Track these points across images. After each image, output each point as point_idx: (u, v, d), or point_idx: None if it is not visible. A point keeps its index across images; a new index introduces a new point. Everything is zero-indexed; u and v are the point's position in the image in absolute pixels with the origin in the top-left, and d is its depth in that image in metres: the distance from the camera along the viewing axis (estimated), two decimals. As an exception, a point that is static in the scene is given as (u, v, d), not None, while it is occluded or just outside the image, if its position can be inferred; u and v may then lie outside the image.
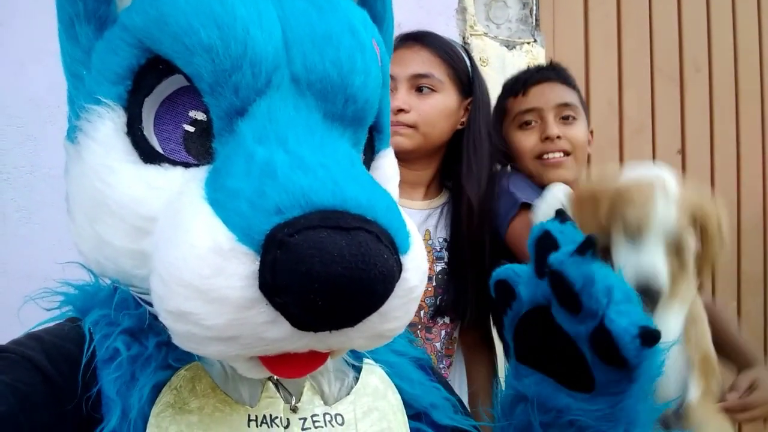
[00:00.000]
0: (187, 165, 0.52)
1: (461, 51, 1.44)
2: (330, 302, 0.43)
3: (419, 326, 1.37)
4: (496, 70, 2.19)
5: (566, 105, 1.44)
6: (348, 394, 0.62)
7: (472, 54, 1.80)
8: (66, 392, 0.51)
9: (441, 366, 1.40)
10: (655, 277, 1.04)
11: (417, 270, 0.50)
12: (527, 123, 1.46)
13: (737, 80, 2.75)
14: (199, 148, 0.53)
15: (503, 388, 0.69)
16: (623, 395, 0.58)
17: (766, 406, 1.19)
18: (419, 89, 1.35)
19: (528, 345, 0.64)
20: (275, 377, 0.58)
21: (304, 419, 0.58)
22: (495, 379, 1.46)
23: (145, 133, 0.53)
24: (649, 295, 1.03)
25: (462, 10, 2.19)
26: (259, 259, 0.43)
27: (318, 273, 0.42)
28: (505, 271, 0.64)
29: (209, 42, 0.49)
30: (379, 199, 0.48)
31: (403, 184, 0.69)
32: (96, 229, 0.53)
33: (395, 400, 0.65)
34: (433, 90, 1.36)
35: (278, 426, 0.56)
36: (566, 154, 1.42)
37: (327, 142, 0.51)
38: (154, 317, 0.50)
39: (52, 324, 0.59)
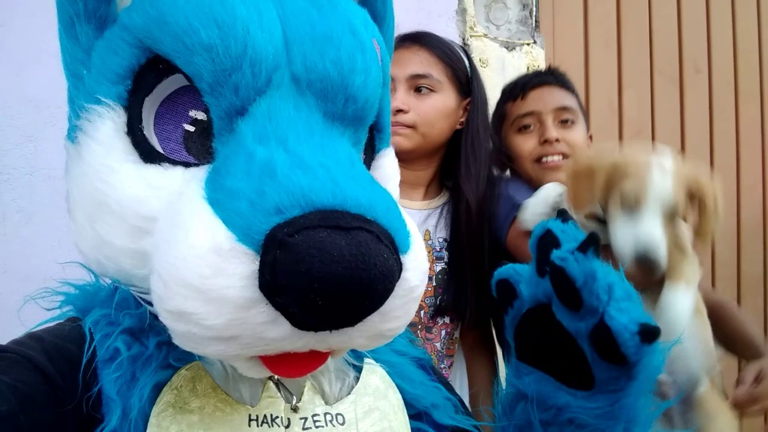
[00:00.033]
0: (187, 165, 0.52)
1: (460, 51, 1.44)
2: (330, 302, 0.43)
3: (419, 326, 1.37)
4: (496, 71, 2.19)
5: (565, 109, 1.45)
6: (349, 393, 0.62)
7: (472, 55, 1.80)
8: (66, 392, 0.51)
9: (442, 366, 1.40)
10: (654, 246, 1.06)
11: (417, 270, 0.50)
12: (526, 127, 1.47)
13: (737, 81, 2.75)
14: (199, 148, 0.53)
15: (504, 388, 0.69)
16: (622, 393, 0.59)
17: None
18: (418, 89, 1.36)
19: (528, 343, 0.64)
20: (276, 377, 0.57)
21: (305, 419, 0.58)
22: (495, 379, 1.46)
23: (145, 132, 0.53)
24: (648, 264, 1.05)
25: (462, 12, 2.19)
26: (258, 258, 0.43)
27: (318, 273, 0.42)
28: (506, 270, 0.64)
29: (209, 42, 0.49)
30: (379, 198, 0.48)
31: (402, 184, 0.69)
32: (96, 228, 0.53)
33: (396, 399, 0.65)
34: (431, 90, 1.36)
35: (279, 426, 0.56)
36: (565, 157, 1.43)
37: (327, 141, 0.51)
38: (155, 317, 0.50)
39: (52, 324, 0.58)
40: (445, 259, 1.40)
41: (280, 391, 0.58)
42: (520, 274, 0.63)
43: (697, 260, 1.16)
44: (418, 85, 1.35)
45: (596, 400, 0.59)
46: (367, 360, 0.66)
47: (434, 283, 1.39)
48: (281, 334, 0.45)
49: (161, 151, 0.53)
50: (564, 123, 1.44)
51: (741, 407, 1.20)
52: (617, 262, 1.03)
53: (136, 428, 0.51)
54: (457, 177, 1.40)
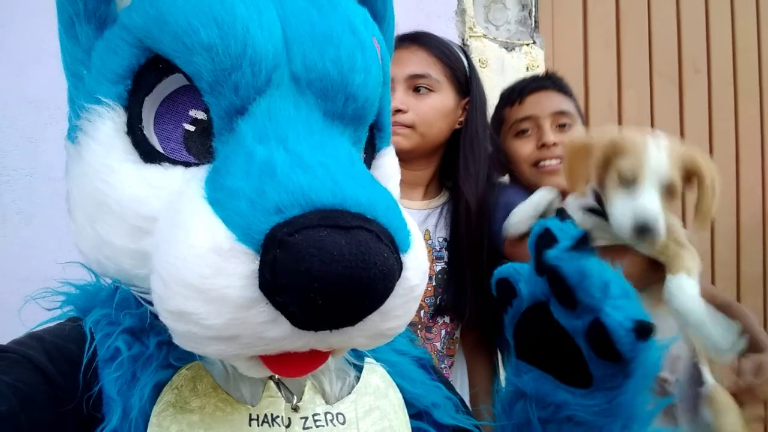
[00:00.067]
0: (187, 164, 0.52)
1: (458, 51, 1.44)
2: (330, 301, 0.43)
3: (419, 326, 1.37)
4: (495, 71, 2.19)
5: (562, 113, 1.46)
6: (349, 393, 0.62)
7: (471, 56, 1.80)
8: (67, 392, 0.51)
9: (442, 366, 1.40)
10: (654, 216, 1.09)
11: (417, 269, 0.50)
12: (524, 131, 1.48)
13: (736, 81, 2.75)
14: (199, 147, 0.53)
15: (503, 387, 0.69)
16: (620, 390, 0.59)
17: None
18: (416, 89, 1.36)
19: (527, 342, 0.64)
20: (276, 376, 0.57)
21: (306, 418, 0.58)
22: (495, 379, 1.46)
23: (145, 132, 0.53)
24: (647, 234, 1.08)
25: (461, 12, 2.19)
26: (258, 258, 0.43)
27: (318, 272, 0.42)
28: (506, 269, 0.64)
29: (209, 41, 0.49)
30: (379, 197, 0.48)
31: (402, 184, 0.69)
32: (96, 228, 0.53)
33: (396, 399, 0.65)
34: (430, 90, 1.36)
35: (279, 425, 0.56)
36: (562, 161, 1.44)
37: (327, 140, 0.51)
38: (155, 317, 0.50)
39: (53, 324, 0.59)
40: (445, 259, 1.40)
41: (280, 391, 0.58)
42: (520, 272, 0.64)
43: (695, 252, 1.17)
44: (416, 85, 1.36)
45: (594, 398, 0.59)
46: (367, 359, 0.66)
47: (434, 283, 1.39)
48: (281, 334, 0.45)
49: (161, 150, 0.53)
50: (561, 127, 1.45)
51: (737, 398, 1.20)
52: (616, 261, 1.03)
53: (136, 428, 0.51)
54: (456, 177, 1.40)
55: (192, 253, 0.44)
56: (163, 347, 0.55)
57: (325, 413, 0.59)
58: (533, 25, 2.31)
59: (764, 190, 2.79)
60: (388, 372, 0.66)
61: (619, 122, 2.51)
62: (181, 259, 0.44)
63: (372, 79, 0.55)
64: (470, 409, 0.73)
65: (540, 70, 2.24)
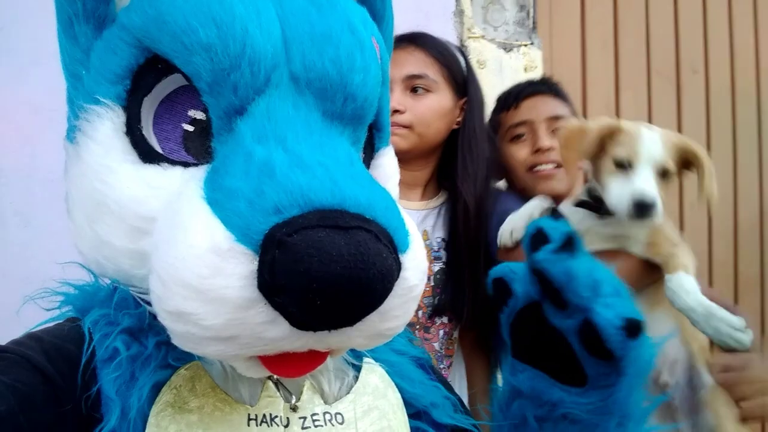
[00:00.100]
0: (186, 164, 0.52)
1: (455, 51, 1.45)
2: (329, 302, 0.43)
3: (417, 326, 1.37)
4: (494, 72, 2.19)
5: (557, 118, 1.46)
6: (348, 392, 0.62)
7: (470, 56, 1.81)
8: (66, 392, 0.51)
9: (441, 366, 1.40)
10: (651, 194, 1.11)
11: (416, 269, 0.50)
12: (519, 136, 1.49)
13: (733, 82, 2.75)
14: (198, 148, 0.53)
15: (500, 386, 0.70)
16: (614, 388, 0.59)
17: (758, 384, 1.18)
18: (414, 90, 1.36)
19: (523, 341, 0.64)
20: (275, 376, 0.57)
21: (304, 418, 0.58)
22: (493, 379, 1.46)
23: (144, 132, 0.53)
24: (645, 210, 1.10)
25: (459, 13, 2.19)
26: (257, 258, 0.43)
27: (317, 272, 0.42)
28: (501, 269, 0.64)
29: (208, 41, 0.48)
30: (378, 198, 0.48)
31: (400, 184, 0.69)
32: (95, 229, 0.53)
33: (395, 398, 0.65)
34: (427, 90, 1.36)
35: (278, 425, 0.56)
36: (558, 166, 1.45)
37: (326, 140, 0.51)
38: (154, 317, 0.50)
39: (51, 324, 0.58)
40: (443, 259, 1.40)
41: (279, 391, 0.58)
42: (515, 272, 0.64)
43: (689, 249, 1.18)
44: (414, 86, 1.36)
45: (589, 396, 0.59)
46: (366, 359, 0.66)
47: (432, 283, 1.39)
48: (280, 334, 0.45)
49: (160, 151, 0.53)
50: (557, 132, 1.45)
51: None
52: (614, 263, 1.04)
53: (135, 428, 0.51)
54: (454, 177, 1.40)
55: (191, 253, 0.44)
56: (161, 347, 0.54)
57: (324, 413, 0.59)
58: (531, 26, 2.31)
59: (761, 190, 2.79)
60: (387, 372, 0.66)
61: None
62: (180, 259, 0.44)
63: (371, 79, 0.55)
64: (469, 409, 0.73)
65: (538, 71, 2.25)
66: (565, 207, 1.31)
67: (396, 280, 0.47)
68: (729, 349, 1.11)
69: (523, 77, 2.16)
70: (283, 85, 0.51)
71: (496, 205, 1.42)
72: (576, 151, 1.20)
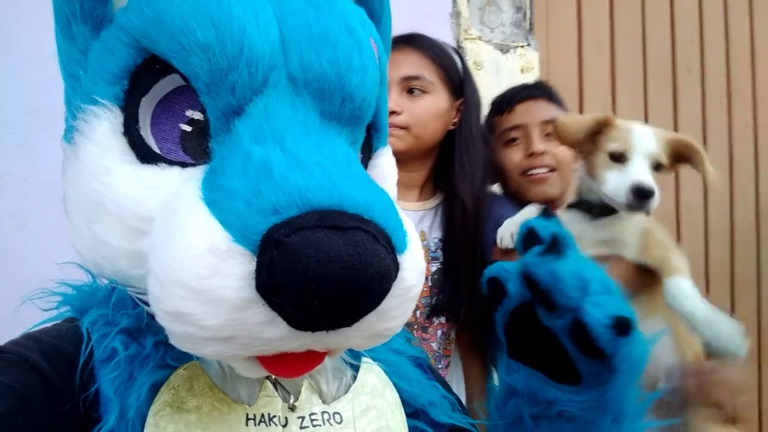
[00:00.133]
0: (184, 165, 0.52)
1: (452, 52, 1.45)
2: (327, 302, 0.43)
3: (415, 326, 1.38)
4: (491, 73, 2.20)
5: (551, 122, 1.46)
6: (346, 392, 0.62)
7: (467, 58, 1.81)
8: (64, 392, 0.51)
9: (439, 366, 1.40)
10: (648, 181, 1.13)
11: (414, 269, 0.50)
12: (513, 140, 1.50)
13: (729, 83, 2.76)
14: (196, 148, 0.53)
15: (496, 386, 0.70)
16: (608, 386, 0.59)
17: (731, 386, 1.18)
18: (410, 91, 1.36)
19: (517, 340, 0.64)
20: (273, 376, 0.57)
21: (303, 418, 0.58)
22: (489, 379, 1.47)
23: (141, 133, 0.53)
24: (644, 196, 1.12)
25: (456, 15, 2.19)
26: (255, 259, 0.43)
27: (315, 273, 0.42)
28: (495, 268, 0.64)
29: (205, 41, 0.48)
30: (376, 198, 0.48)
31: (397, 185, 0.70)
32: (93, 229, 0.53)
33: (393, 398, 0.65)
34: (423, 91, 1.37)
35: (276, 425, 0.56)
36: (551, 170, 1.46)
37: (324, 141, 0.51)
38: (152, 317, 0.50)
39: (49, 324, 0.58)
40: (441, 260, 1.41)
41: (277, 391, 0.58)
42: (509, 271, 0.64)
43: (681, 252, 1.19)
44: (410, 87, 1.36)
45: (584, 394, 0.60)
46: (364, 359, 0.66)
47: (430, 284, 1.39)
48: (278, 335, 0.45)
49: (158, 151, 0.52)
50: (550, 136, 1.45)
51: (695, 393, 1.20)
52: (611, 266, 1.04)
53: (133, 428, 0.51)
54: (452, 177, 1.40)
55: (189, 253, 0.44)
56: (159, 347, 0.54)
57: (322, 413, 0.59)
58: (528, 27, 2.31)
59: (758, 190, 2.80)
60: (385, 371, 0.66)
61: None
62: (178, 259, 0.44)
63: (369, 80, 0.55)
64: (466, 408, 0.74)
65: (534, 72, 2.26)
66: (560, 213, 1.32)
67: (394, 280, 0.47)
68: (718, 357, 1.11)
69: (519, 78, 2.17)
70: (281, 85, 0.51)
71: (492, 209, 1.42)
72: (572, 130, 1.23)
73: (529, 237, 0.60)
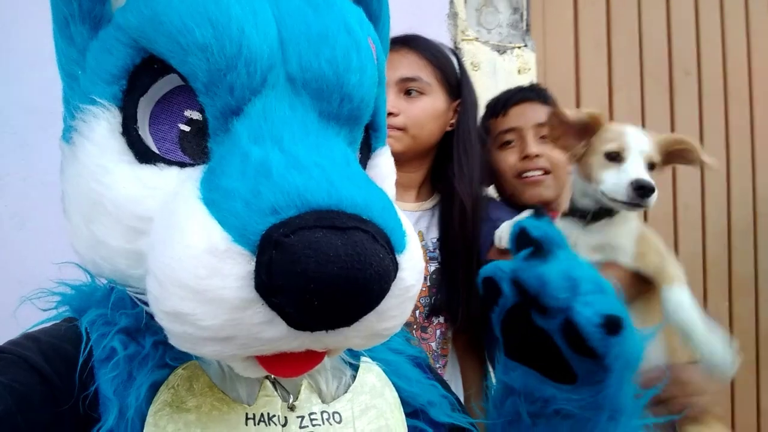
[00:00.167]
0: (182, 165, 0.52)
1: (449, 53, 1.45)
2: (326, 302, 0.43)
3: (414, 326, 1.38)
4: (488, 74, 2.20)
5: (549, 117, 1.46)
6: (345, 392, 0.62)
7: (464, 59, 1.81)
8: (63, 392, 0.51)
9: (437, 366, 1.40)
10: (647, 177, 1.13)
11: (413, 269, 0.50)
12: (508, 142, 1.50)
13: (726, 83, 2.76)
14: (194, 148, 0.53)
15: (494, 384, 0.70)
16: (603, 384, 0.59)
17: (689, 386, 1.18)
18: (407, 92, 1.37)
19: (513, 340, 0.65)
20: (272, 376, 0.57)
21: (302, 417, 0.58)
22: (486, 378, 1.47)
23: (140, 132, 0.52)
24: (644, 191, 1.12)
25: (453, 16, 2.20)
26: (254, 259, 0.43)
27: (314, 273, 0.42)
28: (491, 268, 0.64)
29: (204, 41, 0.48)
30: (375, 198, 0.48)
31: (395, 186, 0.70)
32: (92, 229, 0.53)
33: (393, 397, 0.65)
34: (421, 93, 1.37)
35: (276, 424, 0.56)
36: (546, 172, 1.46)
37: (322, 141, 0.51)
38: (151, 316, 0.50)
39: (49, 324, 0.58)
40: (439, 259, 1.41)
41: (277, 390, 0.58)
42: (504, 271, 0.64)
43: (676, 259, 1.20)
44: (407, 88, 1.37)
45: (580, 392, 0.60)
46: (363, 358, 0.66)
47: (429, 284, 1.39)
48: (277, 335, 0.45)
49: (156, 151, 0.52)
50: (545, 139, 1.45)
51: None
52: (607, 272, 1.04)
53: (133, 427, 0.51)
54: (450, 177, 1.40)
55: (187, 253, 0.44)
56: (159, 347, 0.54)
57: (322, 412, 0.59)
58: (525, 28, 2.32)
59: (755, 191, 2.80)
60: (384, 371, 0.66)
61: (611, 124, 2.52)
62: (177, 259, 0.44)
63: (367, 79, 0.55)
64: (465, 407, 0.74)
65: (532, 73, 2.26)
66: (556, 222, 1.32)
67: (393, 280, 0.47)
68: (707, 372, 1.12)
69: (516, 79, 2.17)
70: (280, 85, 0.51)
71: (489, 212, 1.42)
72: (567, 118, 1.23)
73: (521, 237, 0.61)
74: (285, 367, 0.51)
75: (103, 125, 0.53)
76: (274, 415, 0.56)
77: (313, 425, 0.58)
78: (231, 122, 0.50)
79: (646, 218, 2.43)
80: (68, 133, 0.56)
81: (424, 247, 1.40)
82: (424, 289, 1.38)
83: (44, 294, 0.59)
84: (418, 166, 1.42)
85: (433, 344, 1.40)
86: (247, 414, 0.56)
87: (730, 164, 2.76)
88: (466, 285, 1.36)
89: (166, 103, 0.53)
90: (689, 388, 1.14)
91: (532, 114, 1.48)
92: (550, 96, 1.55)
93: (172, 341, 0.48)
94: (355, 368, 0.65)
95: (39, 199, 1.56)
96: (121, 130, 0.53)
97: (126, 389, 0.52)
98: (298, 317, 0.44)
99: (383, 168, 0.65)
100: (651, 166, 1.17)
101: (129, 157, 0.52)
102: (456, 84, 1.42)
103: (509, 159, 1.49)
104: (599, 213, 1.22)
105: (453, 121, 1.42)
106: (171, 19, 0.49)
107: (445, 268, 1.40)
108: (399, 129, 1.34)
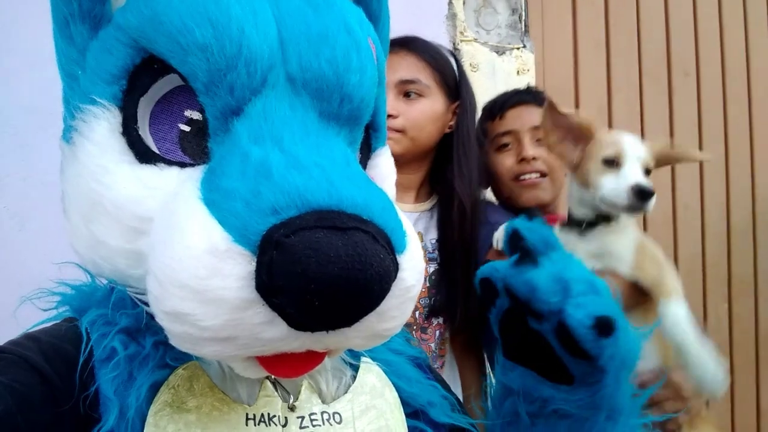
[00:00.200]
0: (182, 165, 0.52)
1: (447, 55, 1.45)
2: (326, 303, 0.43)
3: (414, 327, 1.38)
4: (487, 75, 2.20)
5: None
6: (346, 392, 0.62)
7: (463, 60, 1.81)
8: (63, 392, 0.51)
9: (436, 366, 1.41)
10: (645, 181, 1.13)
11: (413, 269, 0.50)
12: (505, 145, 1.51)
13: (725, 84, 2.76)
14: (194, 148, 0.53)
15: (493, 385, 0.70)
16: (600, 384, 0.59)
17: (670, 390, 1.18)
18: (407, 94, 1.37)
19: (512, 340, 0.65)
20: (273, 376, 0.57)
21: (302, 418, 0.58)
22: (484, 380, 1.47)
23: (140, 132, 0.52)
24: (644, 195, 1.12)
25: (452, 17, 2.20)
26: (255, 259, 0.43)
27: (314, 273, 0.42)
28: (487, 269, 0.64)
29: (204, 41, 0.48)
30: (375, 198, 0.48)
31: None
32: (91, 229, 0.53)
33: (393, 398, 0.65)
34: (420, 95, 1.37)
35: (276, 425, 0.56)
36: (543, 175, 1.46)
37: (323, 141, 0.51)
38: (151, 317, 0.50)
39: (49, 324, 0.58)
40: (439, 260, 1.41)
41: (277, 390, 0.58)
42: (501, 272, 0.64)
43: (674, 270, 1.19)
44: (406, 90, 1.37)
45: (577, 393, 0.60)
46: (363, 359, 0.66)
47: (428, 284, 1.39)
48: (278, 335, 0.45)
49: (156, 151, 0.52)
50: (542, 141, 1.46)
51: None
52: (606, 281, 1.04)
53: (133, 428, 0.51)
54: (450, 179, 1.40)
55: (188, 254, 0.44)
56: (159, 347, 0.54)
57: (322, 413, 0.59)
58: (523, 29, 2.32)
59: (754, 191, 2.80)
60: (384, 371, 0.66)
61: (610, 125, 2.52)
62: (177, 260, 0.44)
63: (367, 80, 0.55)
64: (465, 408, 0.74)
65: (530, 74, 2.26)
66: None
67: (393, 280, 0.47)
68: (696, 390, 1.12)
69: (515, 80, 2.17)
70: (280, 85, 0.51)
71: (486, 215, 1.43)
72: (557, 122, 1.23)
73: (514, 238, 0.61)
74: (285, 368, 0.51)
75: (103, 125, 0.53)
76: (274, 416, 0.56)
77: (314, 425, 0.58)
78: (231, 122, 0.50)
79: (645, 219, 2.43)
80: (68, 133, 0.56)
81: (424, 248, 1.40)
82: (423, 290, 1.38)
83: (44, 294, 0.59)
84: (417, 167, 1.43)
85: (433, 345, 1.41)
86: (247, 414, 0.56)
87: (729, 165, 2.76)
88: (464, 286, 1.36)
89: (166, 103, 0.53)
90: (683, 391, 1.14)
91: (529, 117, 1.48)
92: (547, 99, 1.55)
93: (172, 341, 0.48)
94: (356, 368, 0.65)
95: (39, 199, 1.56)
96: (121, 130, 0.53)
97: (126, 389, 0.52)
98: (298, 317, 0.44)
99: (383, 168, 0.65)
100: (647, 172, 1.17)
101: (129, 157, 0.52)
102: (455, 86, 1.42)
103: (506, 162, 1.50)
104: (596, 220, 1.22)
105: (452, 123, 1.43)
106: (171, 19, 0.49)
107: (444, 268, 1.40)
108: (398, 131, 1.35)
